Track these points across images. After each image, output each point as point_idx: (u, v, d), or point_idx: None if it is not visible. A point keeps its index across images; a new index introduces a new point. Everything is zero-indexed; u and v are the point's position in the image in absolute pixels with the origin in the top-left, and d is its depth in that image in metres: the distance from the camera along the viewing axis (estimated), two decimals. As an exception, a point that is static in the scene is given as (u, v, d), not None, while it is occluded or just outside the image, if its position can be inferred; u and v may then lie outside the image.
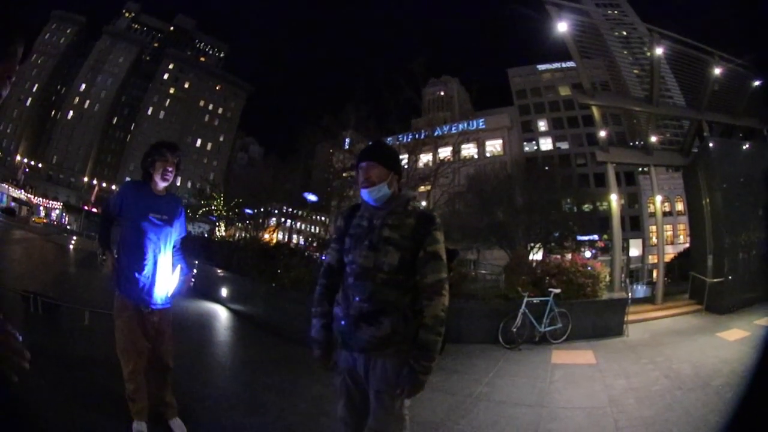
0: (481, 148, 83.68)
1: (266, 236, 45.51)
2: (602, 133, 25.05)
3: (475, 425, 6.44)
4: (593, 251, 52.57)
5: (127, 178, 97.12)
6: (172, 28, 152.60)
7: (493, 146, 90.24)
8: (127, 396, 4.97)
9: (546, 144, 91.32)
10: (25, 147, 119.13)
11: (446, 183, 36.26)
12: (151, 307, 5.06)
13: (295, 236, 53.44)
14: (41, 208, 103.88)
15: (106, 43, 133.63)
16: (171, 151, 5.22)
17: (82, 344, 8.98)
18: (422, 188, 35.00)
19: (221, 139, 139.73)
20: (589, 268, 15.33)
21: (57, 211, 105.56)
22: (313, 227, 67.08)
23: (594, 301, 14.76)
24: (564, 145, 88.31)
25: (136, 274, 4.99)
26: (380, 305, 3.51)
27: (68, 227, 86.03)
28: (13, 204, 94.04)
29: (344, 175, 38.35)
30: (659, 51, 22.16)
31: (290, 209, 51.04)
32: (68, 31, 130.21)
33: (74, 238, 44.15)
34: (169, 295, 5.25)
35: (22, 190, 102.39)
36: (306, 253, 20.86)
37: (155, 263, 5.09)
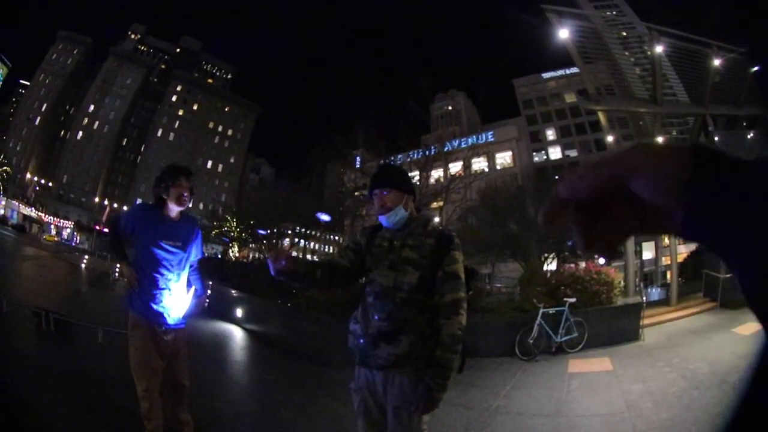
0: (491, 161, 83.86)
1: None
2: (610, 138, 25.01)
3: None
4: (607, 258, 52.09)
5: (138, 200, 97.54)
6: (178, 49, 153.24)
7: (503, 158, 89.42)
8: (142, 414, 4.87)
9: (555, 153, 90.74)
10: (35, 165, 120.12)
11: (458, 198, 36.24)
12: (165, 327, 4.98)
13: (309, 256, 53.33)
14: (52, 226, 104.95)
15: (113, 64, 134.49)
16: (186, 176, 5.11)
17: (95, 361, 9.02)
18: (434, 204, 34.91)
19: (232, 160, 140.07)
20: (602, 275, 15.31)
21: (68, 230, 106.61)
22: (326, 247, 66.96)
23: (609, 308, 14.76)
24: (573, 153, 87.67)
25: (149, 297, 4.91)
26: (399, 324, 3.52)
27: (80, 246, 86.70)
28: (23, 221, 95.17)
29: (356, 194, 38.35)
30: (659, 49, 22.24)
31: (303, 229, 50.99)
32: (75, 51, 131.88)
33: (86, 257, 44.25)
34: (183, 316, 5.15)
35: (33, 208, 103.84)
36: None
37: (168, 287, 5.01)
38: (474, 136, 74.43)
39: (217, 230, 68.43)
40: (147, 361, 4.84)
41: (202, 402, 6.69)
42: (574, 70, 52.03)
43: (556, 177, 63.44)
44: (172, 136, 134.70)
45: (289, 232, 52.12)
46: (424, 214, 3.95)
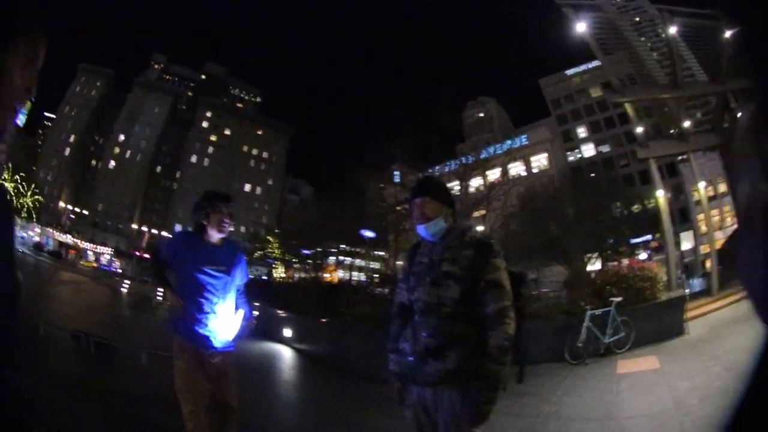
0: (527, 165, 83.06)
1: (327, 275, 45.57)
2: (639, 129, 24.81)
3: None
4: (648, 252, 51.08)
5: (178, 225, 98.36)
6: (203, 76, 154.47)
7: (539, 161, 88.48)
8: None
9: (588, 150, 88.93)
10: (67, 194, 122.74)
11: (499, 206, 36.04)
12: (212, 350, 4.95)
13: (355, 273, 53.31)
14: (89, 252, 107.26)
15: (138, 94, 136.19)
16: (225, 203, 5.14)
17: (138, 382, 9.14)
18: (476, 213, 34.77)
19: (270, 182, 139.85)
20: (646, 270, 15.10)
21: (107, 256, 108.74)
22: (372, 263, 67.21)
23: (653, 304, 14.53)
24: (605, 149, 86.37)
25: (195, 321, 4.92)
26: (446, 339, 3.50)
27: (119, 271, 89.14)
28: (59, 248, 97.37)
29: (398, 208, 38.28)
30: (672, 30, 22.05)
31: (348, 247, 50.97)
32: (98, 83, 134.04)
33: (126, 282, 44.66)
34: (231, 339, 5.12)
35: (68, 235, 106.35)
36: (368, 290, 20.85)
37: (214, 311, 5.00)
38: (509, 141, 74.19)
39: (259, 252, 68.63)
40: (192, 383, 4.86)
41: (251, 421, 6.71)
42: (596, 63, 51.73)
43: (592, 174, 63.05)
44: (206, 161, 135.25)
45: (334, 250, 52.22)
46: (460, 224, 3.91)
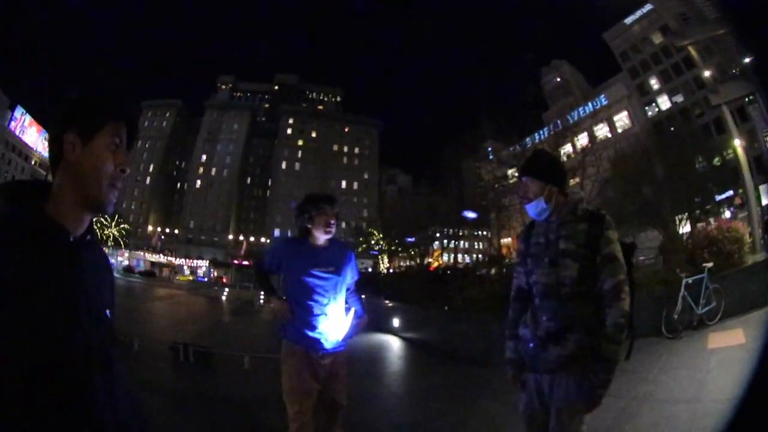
0: (611, 126, 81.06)
1: (432, 261, 45.57)
2: (707, 73, 23.73)
3: (637, 429, 6.06)
4: (732, 209, 48.38)
5: (276, 230, 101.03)
6: (276, 86, 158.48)
7: (621, 120, 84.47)
8: None
9: (664, 102, 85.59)
10: (155, 217, 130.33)
11: (593, 172, 35.29)
12: (322, 352, 4.81)
13: (461, 256, 53.24)
14: (185, 267, 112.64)
15: (213, 115, 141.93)
16: (329, 204, 4.94)
17: (240, 386, 9.15)
18: (571, 182, 34.24)
19: (366, 176, 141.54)
20: (733, 231, 14.26)
21: (203, 269, 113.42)
22: (477, 243, 66.82)
23: (741, 269, 13.56)
24: (679, 98, 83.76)
25: (305, 324, 4.79)
26: (566, 322, 3.37)
27: (218, 281, 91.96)
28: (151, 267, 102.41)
29: (496, 186, 37.95)
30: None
31: (451, 230, 50.87)
32: (167, 114, 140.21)
33: (226, 290, 45.50)
34: (342, 338, 4.96)
35: (161, 254, 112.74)
36: (476, 273, 20.56)
37: (325, 312, 4.84)
38: (590, 103, 73.00)
39: (363, 245, 69.40)
40: (300, 385, 4.73)
41: (358, 416, 6.55)
42: (648, 6, 50.03)
43: (671, 128, 60.54)
44: (297, 165, 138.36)
45: (438, 235, 52.20)
46: (572, 197, 3.63)
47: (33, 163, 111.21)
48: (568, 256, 3.39)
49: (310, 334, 4.75)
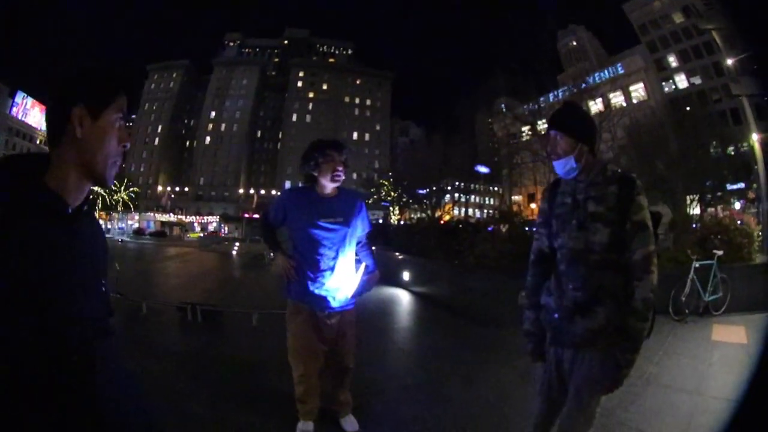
0: (626, 95, 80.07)
1: (444, 215, 45.51)
2: (729, 61, 23.15)
3: (642, 412, 5.84)
4: (742, 202, 47.38)
5: (287, 182, 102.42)
6: (285, 41, 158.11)
7: (636, 91, 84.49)
8: (296, 397, 4.81)
9: (681, 81, 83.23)
10: (164, 178, 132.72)
11: (609, 138, 34.85)
12: (329, 311, 4.70)
13: (472, 210, 53.17)
14: (195, 224, 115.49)
15: (221, 72, 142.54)
16: (337, 150, 4.71)
17: (247, 346, 9.08)
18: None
19: (378, 128, 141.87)
20: (740, 223, 14.03)
21: (214, 224, 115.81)
22: (489, 199, 66.72)
23: (749, 266, 13.15)
24: (697, 80, 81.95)
25: (310, 281, 4.65)
26: (594, 292, 3.14)
27: (228, 235, 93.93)
28: (162, 227, 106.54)
29: (510, 142, 37.63)
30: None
31: (462, 184, 50.67)
32: (174, 75, 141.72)
33: (237, 244, 45.81)
34: (351, 296, 4.83)
35: (171, 214, 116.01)
36: (488, 228, 20.37)
37: (332, 267, 4.69)
38: (606, 70, 72.12)
39: (374, 196, 69.50)
40: (306, 346, 4.69)
41: (366, 375, 6.49)
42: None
43: (687, 108, 59.73)
44: (308, 118, 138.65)
45: (449, 188, 52.02)
46: (602, 157, 3.41)
47: (38, 142, 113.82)
48: (598, 219, 3.15)
49: (316, 291, 4.62)
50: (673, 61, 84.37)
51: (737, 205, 43.22)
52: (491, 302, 11.68)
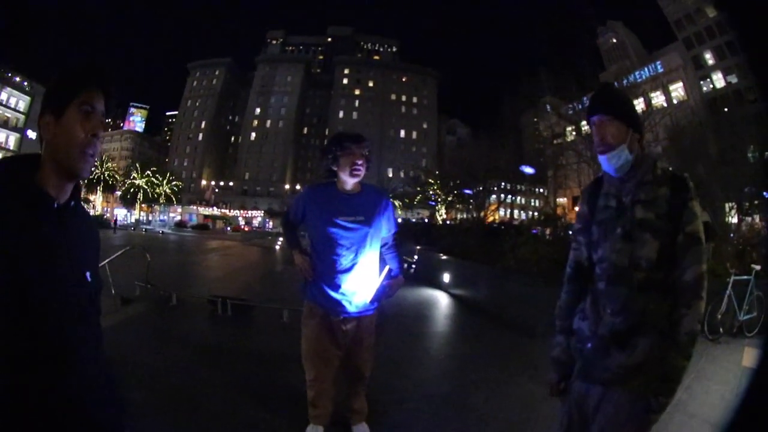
0: (666, 94, 78.49)
1: (488, 215, 45.34)
2: None
3: None
4: None
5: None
6: (329, 39, 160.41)
7: (676, 91, 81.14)
8: (308, 401, 4.71)
9: (719, 80, 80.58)
10: (209, 172, 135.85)
11: (651, 138, 34.22)
12: (344, 315, 4.49)
13: (516, 212, 52.98)
14: (240, 218, 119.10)
15: (265, 69, 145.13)
16: (356, 143, 4.45)
17: (273, 342, 9.05)
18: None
19: (425, 126, 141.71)
20: None
21: (259, 219, 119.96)
22: (533, 201, 66.41)
23: None
24: (733, 79, 79.44)
25: (327, 282, 4.45)
26: (636, 318, 2.64)
27: (272, 230, 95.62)
28: (204, 220, 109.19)
29: (555, 142, 37.26)
30: None
31: (508, 185, 50.41)
32: (216, 72, 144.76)
33: (280, 239, 46.14)
34: (371, 301, 4.55)
35: (215, 207, 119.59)
36: (533, 230, 20.04)
37: (350, 269, 4.45)
38: (646, 68, 71.04)
39: (420, 195, 69.56)
40: (318, 351, 4.56)
41: (390, 382, 6.42)
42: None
43: (725, 109, 58.26)
44: (355, 114, 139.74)
45: (495, 189, 51.80)
46: (649, 152, 2.95)
47: None
48: (647, 228, 2.66)
49: (332, 294, 4.44)
50: (709, 58, 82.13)
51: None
52: (528, 309, 11.22)
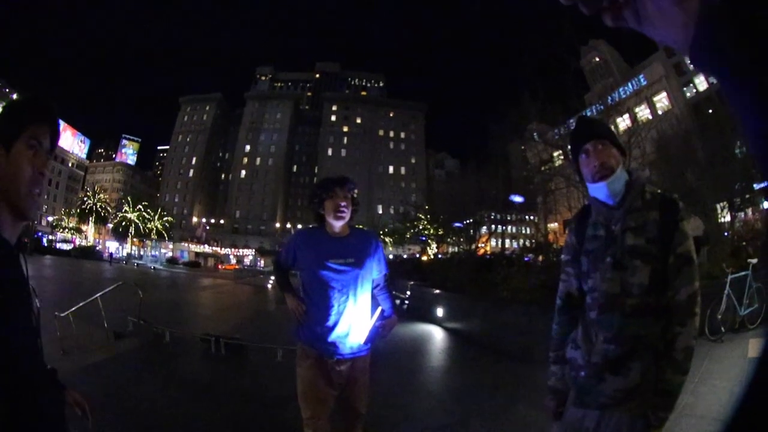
0: (651, 107, 79.78)
1: (480, 247, 45.41)
2: None
3: None
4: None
5: None
6: (317, 75, 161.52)
7: (660, 101, 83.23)
8: None
9: (701, 83, 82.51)
10: (199, 210, 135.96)
11: (639, 154, 34.38)
12: (338, 357, 4.45)
13: (508, 241, 53.15)
14: (231, 256, 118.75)
15: (254, 106, 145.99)
16: (339, 185, 4.51)
17: (267, 381, 9.03)
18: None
19: (413, 161, 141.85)
20: None
21: (250, 257, 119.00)
22: (524, 229, 66.81)
23: None
24: (714, 80, 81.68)
25: (319, 325, 4.44)
26: (629, 344, 2.66)
27: (264, 269, 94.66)
28: (196, 258, 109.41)
29: (543, 168, 37.53)
30: None
31: (498, 215, 50.70)
32: (207, 108, 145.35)
33: (272, 278, 46.33)
34: (365, 341, 4.53)
35: (206, 245, 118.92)
36: (524, 259, 20.04)
37: (342, 311, 4.44)
38: (629, 83, 71.88)
39: (411, 231, 69.57)
40: (313, 391, 4.45)
41: (386, 415, 6.43)
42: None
43: (710, 111, 58.89)
44: (343, 152, 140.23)
45: (486, 219, 51.97)
46: (636, 175, 2.91)
47: (70, 165, 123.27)
48: (637, 255, 2.69)
49: (325, 336, 4.42)
50: (689, 62, 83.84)
51: (766, 204, 42.09)
52: (523, 336, 11.30)
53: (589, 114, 35.03)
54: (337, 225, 4.49)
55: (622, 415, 2.65)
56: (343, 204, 4.43)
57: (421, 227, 70.84)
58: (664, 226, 2.68)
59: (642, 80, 78.83)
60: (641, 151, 33.58)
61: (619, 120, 37.46)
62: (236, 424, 6.32)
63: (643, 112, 55.77)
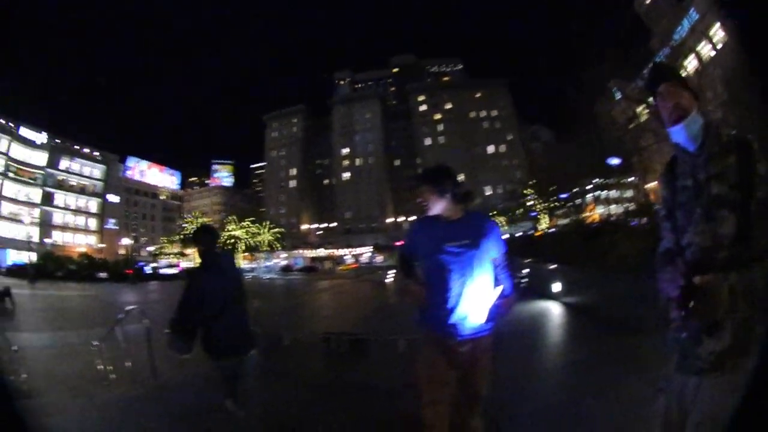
0: (710, 41, 74.59)
1: (588, 216, 44.59)
2: None
3: None
4: None
5: None
6: (395, 69, 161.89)
7: (716, 34, 77.35)
8: (425, 423, 4.63)
9: None
10: (308, 216, 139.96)
11: (711, 96, 33.01)
12: (459, 339, 4.50)
13: (613, 206, 52.01)
14: (347, 257, 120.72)
15: (341, 110, 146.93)
16: (423, 181, 4.76)
17: (391, 373, 9.03)
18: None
19: (509, 137, 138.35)
20: None
21: (367, 255, 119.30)
22: (626, 192, 65.09)
23: None
24: None
25: (438, 309, 4.50)
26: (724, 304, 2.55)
27: (382, 264, 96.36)
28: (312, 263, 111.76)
29: (629, 126, 36.58)
30: None
31: (600, 180, 49.57)
32: (294, 121, 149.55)
33: (391, 271, 46.39)
34: (486, 320, 4.54)
35: (320, 248, 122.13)
36: (630, 224, 19.55)
37: (461, 294, 4.49)
38: (684, 20, 68.28)
39: (520, 208, 68.78)
40: (434, 374, 4.60)
41: (503, 397, 6.42)
42: None
43: None
44: (441, 139, 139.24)
45: (589, 187, 50.95)
46: (708, 119, 2.82)
47: (163, 197, 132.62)
48: (723, 204, 2.60)
49: (446, 319, 4.51)
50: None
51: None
52: (632, 306, 10.98)
53: (658, 60, 33.94)
54: (444, 211, 4.66)
55: (717, 383, 2.59)
56: (419, 200, 4.74)
57: (529, 203, 69.75)
58: (742, 171, 2.60)
59: (693, 14, 74.24)
60: (714, 93, 32.19)
61: (687, 63, 36.14)
62: (360, 418, 6.54)
63: (704, 49, 53.31)
